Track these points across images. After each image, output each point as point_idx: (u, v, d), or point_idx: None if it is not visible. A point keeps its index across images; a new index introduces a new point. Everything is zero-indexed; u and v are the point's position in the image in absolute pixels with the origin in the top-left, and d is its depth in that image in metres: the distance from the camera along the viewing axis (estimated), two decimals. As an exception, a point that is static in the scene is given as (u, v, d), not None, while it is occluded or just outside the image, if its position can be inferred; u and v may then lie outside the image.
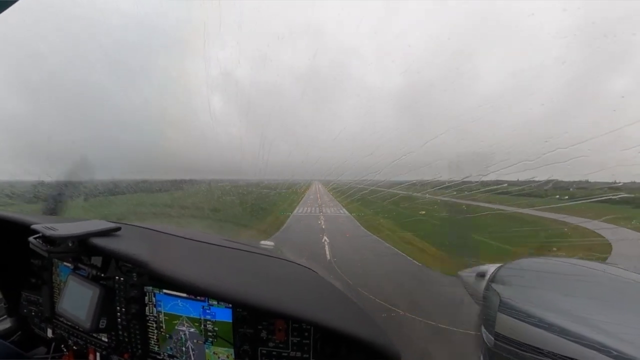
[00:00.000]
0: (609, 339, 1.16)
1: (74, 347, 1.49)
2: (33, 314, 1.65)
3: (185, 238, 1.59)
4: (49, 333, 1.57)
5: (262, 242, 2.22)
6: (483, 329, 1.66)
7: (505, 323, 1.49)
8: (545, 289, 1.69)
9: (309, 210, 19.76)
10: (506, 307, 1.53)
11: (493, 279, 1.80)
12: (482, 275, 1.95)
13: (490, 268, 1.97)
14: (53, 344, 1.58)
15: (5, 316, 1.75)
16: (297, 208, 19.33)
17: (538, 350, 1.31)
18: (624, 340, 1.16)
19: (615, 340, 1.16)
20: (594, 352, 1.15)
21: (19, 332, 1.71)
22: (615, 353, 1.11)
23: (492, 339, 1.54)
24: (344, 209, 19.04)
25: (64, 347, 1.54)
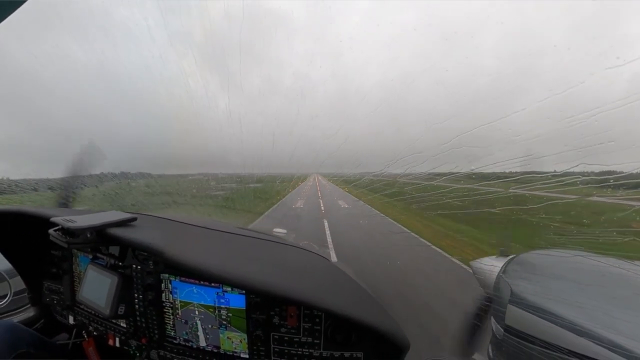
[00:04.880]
0: (621, 338, 1.13)
1: (95, 333, 1.55)
2: (55, 302, 1.73)
3: (198, 226, 1.64)
4: (71, 320, 1.64)
5: (275, 229, 2.26)
6: (492, 320, 1.65)
7: (515, 315, 1.47)
8: (557, 283, 1.66)
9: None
10: (517, 299, 1.51)
11: (505, 271, 1.78)
12: (493, 266, 1.93)
13: (502, 259, 1.95)
14: (74, 330, 1.65)
15: (29, 305, 1.84)
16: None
17: (547, 344, 1.29)
18: (635, 340, 1.13)
19: (628, 340, 1.13)
20: (606, 350, 1.11)
21: (42, 320, 1.79)
22: (628, 353, 1.08)
23: (502, 330, 1.53)
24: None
25: (84, 332, 1.61)
